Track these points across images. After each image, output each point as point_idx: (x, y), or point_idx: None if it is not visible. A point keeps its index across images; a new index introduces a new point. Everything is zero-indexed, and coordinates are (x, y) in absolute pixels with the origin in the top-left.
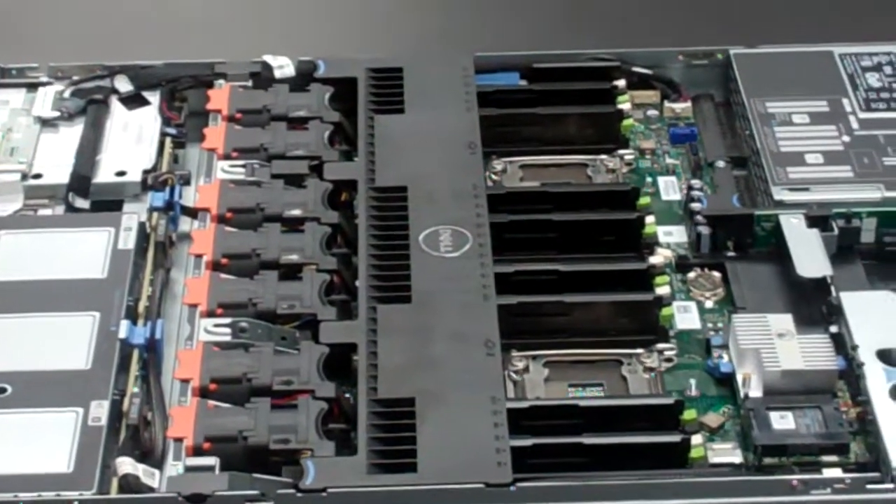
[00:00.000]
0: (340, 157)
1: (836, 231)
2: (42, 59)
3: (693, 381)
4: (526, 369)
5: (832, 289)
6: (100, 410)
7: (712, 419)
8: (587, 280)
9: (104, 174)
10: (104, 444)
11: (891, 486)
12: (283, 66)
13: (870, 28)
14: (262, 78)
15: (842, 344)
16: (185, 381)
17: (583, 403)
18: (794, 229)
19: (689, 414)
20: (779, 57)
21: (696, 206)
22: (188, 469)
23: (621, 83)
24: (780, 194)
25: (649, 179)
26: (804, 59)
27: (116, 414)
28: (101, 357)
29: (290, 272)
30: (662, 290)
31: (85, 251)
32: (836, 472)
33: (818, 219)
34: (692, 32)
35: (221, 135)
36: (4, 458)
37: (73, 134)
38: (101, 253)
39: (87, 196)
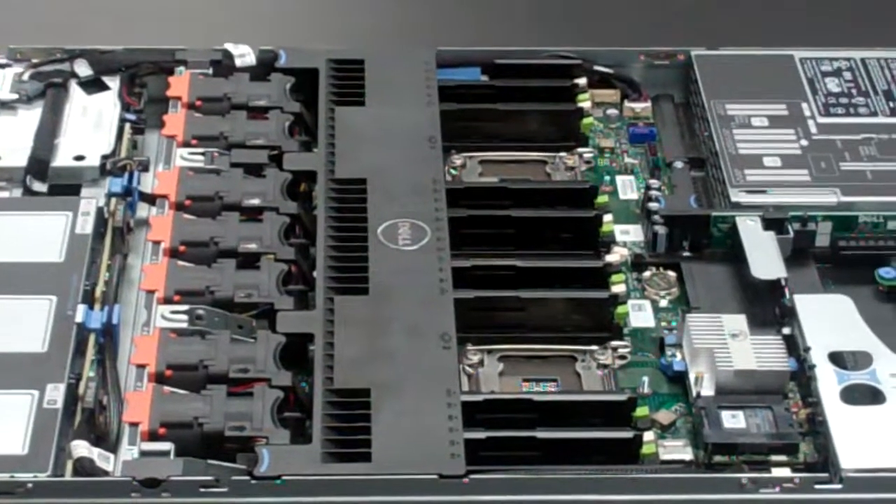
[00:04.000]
0: (300, 148)
1: (791, 234)
2: (1, 41)
3: (646, 379)
4: (481, 363)
5: (786, 291)
6: (55, 393)
7: (664, 416)
8: (543, 276)
9: (63, 158)
10: (59, 427)
11: (839, 486)
12: (244, 55)
13: (830, 33)
14: (223, 66)
15: (794, 346)
16: (140, 367)
17: (537, 398)
18: (750, 231)
19: (641, 411)
20: (739, 59)
21: (653, 205)
22: (143, 454)
23: (582, 81)
24: (737, 196)
25: (607, 178)
26: (765, 63)
27: (72, 397)
28: (58, 340)
29: (248, 261)
30: (618, 288)
31: (43, 235)
32: (784, 472)
33: (774, 221)
34: (654, 33)
35: (181, 122)
36: None
37: (31, 117)
38: (59, 237)
39: (45, 180)
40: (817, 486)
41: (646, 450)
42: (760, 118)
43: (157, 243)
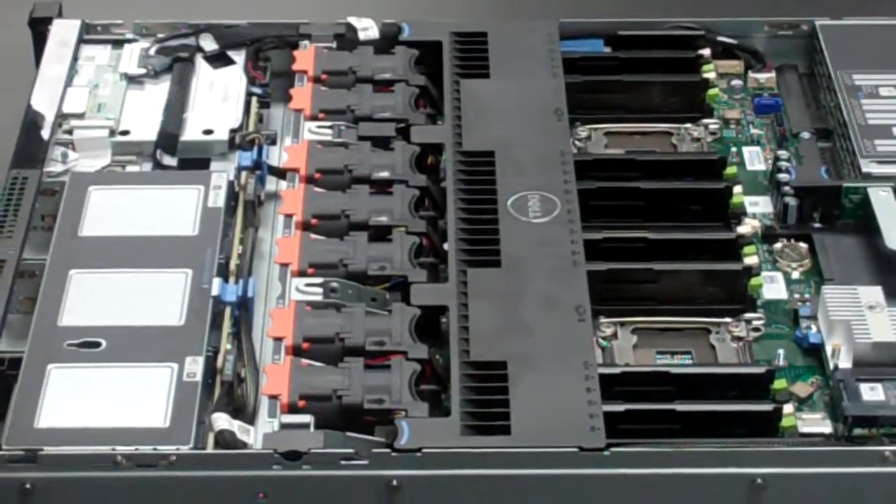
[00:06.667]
0: (426, 121)
1: None
2: (127, 15)
3: (781, 351)
4: (614, 335)
5: None
6: (194, 366)
7: (801, 389)
8: (675, 248)
9: (191, 132)
10: (199, 399)
11: None
12: (368, 29)
13: None
14: (347, 40)
15: None
16: (277, 340)
17: (674, 370)
18: (883, 202)
19: (779, 383)
20: (864, 29)
21: (783, 176)
22: (283, 426)
23: (706, 52)
24: (868, 167)
25: (734, 149)
26: (890, 32)
27: (210, 370)
28: (195, 313)
29: (379, 234)
30: (751, 260)
31: (175, 208)
32: None
33: None
34: (776, 2)
35: (308, 95)
36: (101, 412)
37: (158, 91)
38: (192, 210)
39: (175, 154)
40: None
41: (785, 423)
42: (888, 88)
43: (288, 216)
